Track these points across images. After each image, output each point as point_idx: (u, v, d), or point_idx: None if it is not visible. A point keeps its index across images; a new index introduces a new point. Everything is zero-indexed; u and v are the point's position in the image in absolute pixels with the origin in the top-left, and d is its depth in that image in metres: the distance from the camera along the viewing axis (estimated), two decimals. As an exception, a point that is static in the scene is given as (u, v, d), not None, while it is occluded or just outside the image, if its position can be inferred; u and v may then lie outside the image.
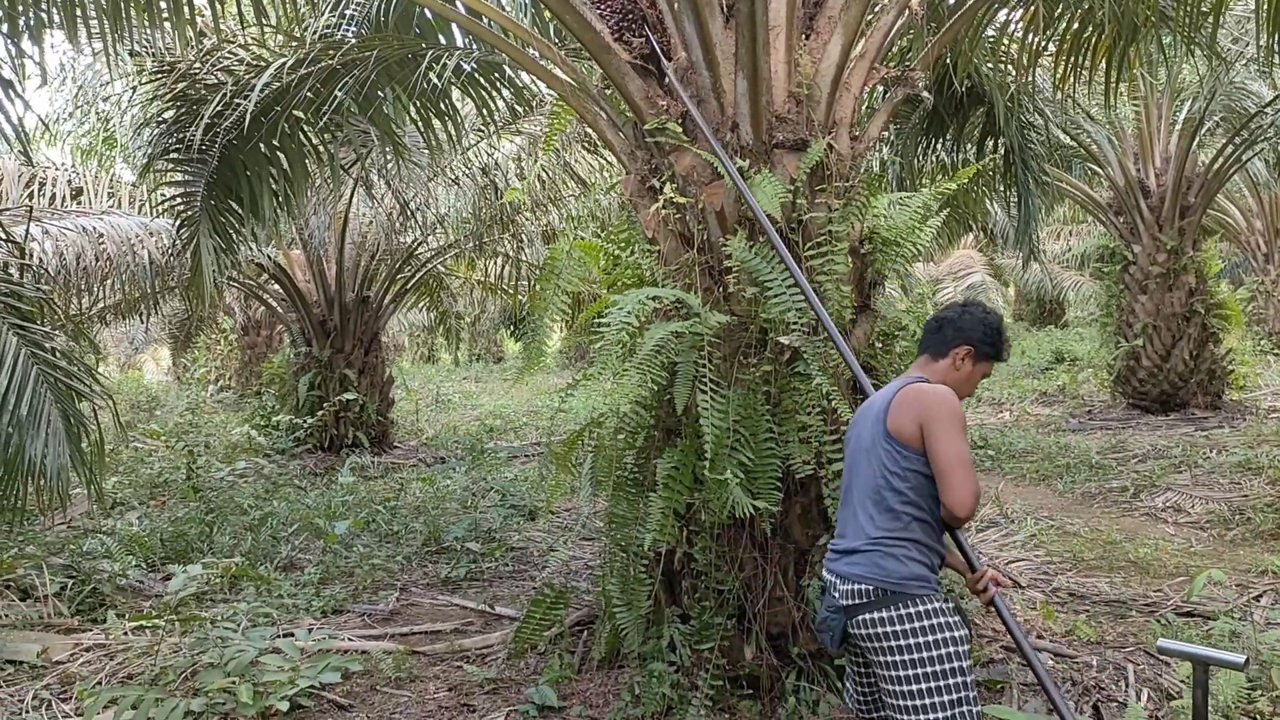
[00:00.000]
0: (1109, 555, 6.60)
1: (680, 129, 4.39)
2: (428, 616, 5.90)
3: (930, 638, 2.77)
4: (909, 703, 2.74)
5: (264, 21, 6.00)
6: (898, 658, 2.78)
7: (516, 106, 7.90)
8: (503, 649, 5.12)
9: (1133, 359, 12.62)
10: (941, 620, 2.79)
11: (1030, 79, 7.28)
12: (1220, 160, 11.93)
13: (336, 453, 12.00)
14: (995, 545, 6.87)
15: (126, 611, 5.67)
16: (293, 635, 5.17)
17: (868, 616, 2.82)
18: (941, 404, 2.86)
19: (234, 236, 7.45)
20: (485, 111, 7.28)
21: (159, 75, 7.28)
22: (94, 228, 8.93)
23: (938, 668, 2.75)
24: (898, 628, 2.78)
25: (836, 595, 2.92)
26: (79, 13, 5.09)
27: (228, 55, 6.78)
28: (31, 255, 7.70)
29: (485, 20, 5.60)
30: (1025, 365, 19.28)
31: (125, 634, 5.22)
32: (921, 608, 2.79)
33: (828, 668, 4.25)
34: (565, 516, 8.29)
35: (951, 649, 2.77)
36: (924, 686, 2.74)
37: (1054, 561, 6.51)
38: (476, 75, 6.79)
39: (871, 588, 2.83)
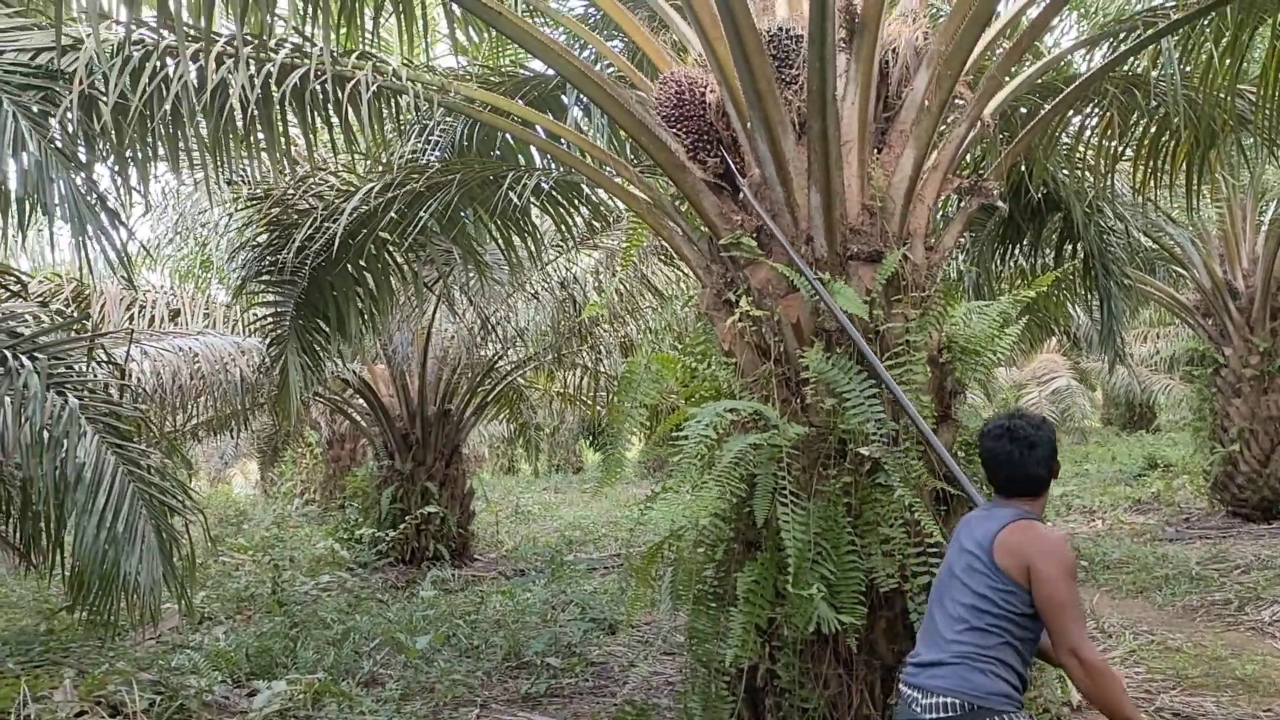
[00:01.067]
0: (1214, 672, 6.30)
1: (755, 243, 4.45)
2: (508, 734, 5.83)
3: None
4: None
5: (354, 148, 6.27)
6: None
7: (594, 222, 8.09)
8: (583, 769, 5.02)
9: (1230, 464, 12.20)
10: None
11: (1109, 184, 7.25)
12: (1310, 260, 11.67)
13: (418, 565, 12.05)
14: (1092, 661, 6.59)
15: (211, 728, 5.70)
16: (373, 753, 5.14)
17: None
18: (1057, 554, 2.84)
19: (320, 354, 7.69)
20: (564, 228, 7.47)
21: (254, 202, 7.63)
22: (189, 347, 9.25)
23: None
24: None
25: (918, 709, 2.86)
26: (182, 145, 5.38)
27: (319, 182, 7.09)
28: (130, 375, 7.99)
29: (563, 142, 5.78)
30: (1116, 472, 18.74)
31: (210, 751, 5.24)
32: None
33: (919, 791, 4.09)
34: (645, 630, 8.19)
35: None
36: None
37: (1156, 679, 6.22)
38: (555, 194, 7.00)
39: (958, 701, 2.78)
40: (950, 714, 2.79)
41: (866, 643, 4.16)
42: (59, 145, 4.80)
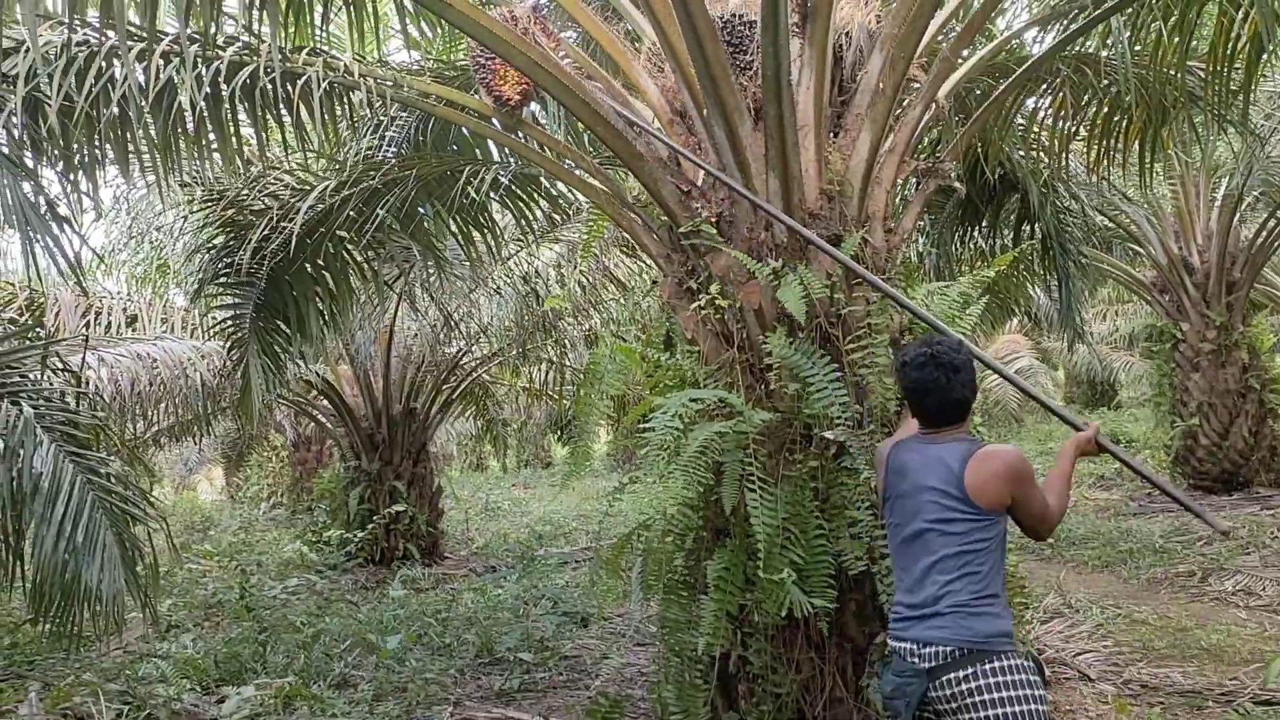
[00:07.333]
0: (1180, 643, 6.38)
1: (715, 230, 4.45)
2: (482, 731, 5.80)
3: (1014, 693, 2.77)
4: None
5: (307, 146, 6.20)
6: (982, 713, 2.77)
7: (554, 215, 8.06)
8: (559, 762, 5.01)
9: (1190, 438, 12.36)
10: (1025, 678, 2.80)
11: (1063, 164, 7.31)
12: (1263, 235, 11.84)
13: (388, 565, 11.96)
14: (1060, 636, 6.66)
15: (181, 736, 5.64)
16: (347, 755, 5.10)
17: (952, 675, 2.80)
18: (1025, 467, 2.98)
19: (282, 355, 7.60)
20: (524, 222, 7.43)
21: (208, 203, 7.53)
22: (148, 353, 9.14)
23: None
24: (983, 681, 2.78)
25: (915, 660, 2.88)
26: (131, 148, 5.29)
27: (273, 181, 7.00)
28: (87, 383, 7.88)
29: (520, 135, 5.74)
30: (1080, 449, 18.91)
31: (180, 759, 5.18)
32: (1007, 662, 2.80)
33: (893, 772, 4.11)
34: (618, 622, 8.18)
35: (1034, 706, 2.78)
36: None
37: (1123, 651, 6.30)
38: (514, 188, 6.95)
39: (955, 649, 2.82)
40: (948, 661, 2.81)
41: (837, 626, 4.17)
42: (4, 150, 4.71)
